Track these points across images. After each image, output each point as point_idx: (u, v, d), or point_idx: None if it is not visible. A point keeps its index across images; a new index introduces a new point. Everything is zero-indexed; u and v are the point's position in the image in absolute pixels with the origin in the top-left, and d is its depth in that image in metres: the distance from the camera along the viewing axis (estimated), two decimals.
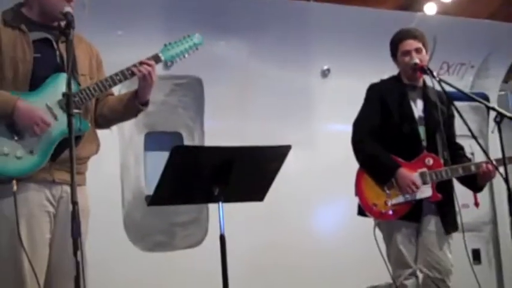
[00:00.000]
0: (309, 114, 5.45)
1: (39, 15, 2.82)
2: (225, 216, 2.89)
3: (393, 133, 3.65)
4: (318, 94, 5.51)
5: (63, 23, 2.74)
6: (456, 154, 3.78)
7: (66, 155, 2.63)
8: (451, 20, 5.84)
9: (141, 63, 2.85)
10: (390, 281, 3.73)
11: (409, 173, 3.56)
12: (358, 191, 3.70)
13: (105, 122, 3.04)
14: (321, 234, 5.24)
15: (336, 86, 5.48)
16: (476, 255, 5.87)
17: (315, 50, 5.45)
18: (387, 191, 3.61)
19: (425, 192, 3.59)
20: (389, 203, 3.60)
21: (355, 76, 5.19)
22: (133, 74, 2.86)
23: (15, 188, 2.62)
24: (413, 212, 3.59)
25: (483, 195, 5.59)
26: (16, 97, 2.65)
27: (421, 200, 3.60)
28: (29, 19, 2.81)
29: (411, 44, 3.68)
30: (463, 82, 5.91)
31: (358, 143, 3.71)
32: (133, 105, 2.94)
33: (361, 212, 3.72)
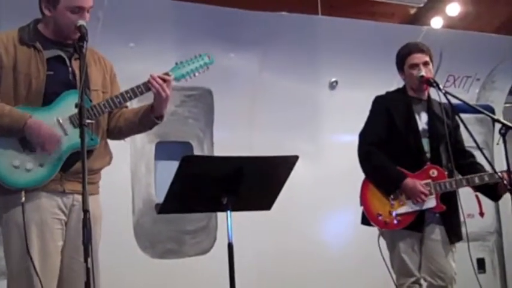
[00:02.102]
0: (316, 126, 5.51)
1: (54, 33, 2.87)
2: (233, 224, 2.93)
3: (397, 145, 3.70)
4: (325, 106, 5.56)
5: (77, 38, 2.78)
6: (468, 163, 3.83)
7: (77, 167, 2.73)
8: (457, 34, 5.87)
9: (158, 77, 2.88)
10: None
11: (417, 182, 3.61)
12: (363, 201, 3.76)
13: (120, 134, 3.08)
14: (327, 243, 5.29)
15: (343, 98, 5.53)
16: (481, 264, 5.88)
17: (323, 62, 5.49)
18: (392, 201, 3.67)
19: (430, 203, 3.64)
20: (393, 213, 3.65)
21: (362, 88, 5.21)
22: (142, 92, 2.89)
23: (23, 198, 2.68)
24: (416, 222, 3.63)
25: (488, 205, 5.60)
26: (28, 115, 2.71)
27: (423, 210, 3.64)
28: (44, 36, 2.86)
29: (419, 57, 3.73)
30: (468, 95, 5.95)
31: (364, 154, 3.76)
32: (149, 119, 2.97)
33: (365, 221, 3.77)
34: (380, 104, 3.84)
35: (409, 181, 3.62)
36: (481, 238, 5.93)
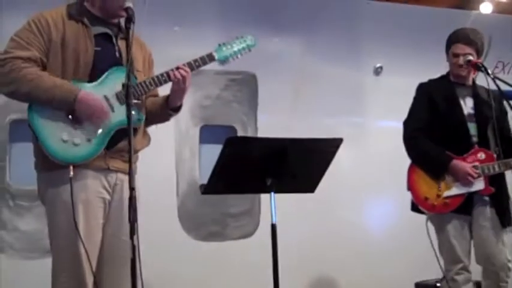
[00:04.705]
0: (361, 111, 5.47)
1: (100, 11, 2.89)
2: (277, 208, 2.93)
3: (443, 130, 3.69)
4: (370, 91, 5.50)
5: (122, 19, 2.82)
6: None
7: (120, 145, 2.78)
8: (507, 19, 5.77)
9: (177, 68, 2.89)
10: (439, 276, 3.76)
11: (464, 164, 3.61)
12: (410, 186, 3.76)
13: (147, 121, 3.06)
14: (370, 227, 5.27)
15: (388, 83, 5.47)
16: None
17: (368, 47, 5.45)
18: (439, 184, 3.65)
19: (478, 185, 3.62)
20: (441, 196, 3.64)
21: (407, 74, 5.15)
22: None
23: (71, 173, 2.70)
24: (464, 205, 3.62)
25: None
26: (78, 88, 2.73)
27: (472, 193, 3.62)
28: (92, 13, 2.89)
29: (463, 48, 3.73)
30: None
31: (410, 140, 3.77)
32: (164, 110, 3.01)
33: (415, 207, 3.77)
34: (423, 91, 3.86)
35: (456, 162, 3.62)
36: None
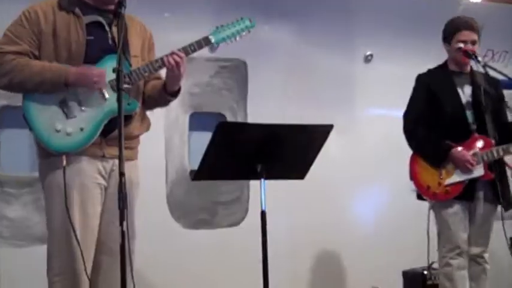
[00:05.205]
0: (351, 99, 5.45)
1: None
2: (266, 196, 2.93)
3: (442, 119, 3.74)
4: (360, 79, 5.49)
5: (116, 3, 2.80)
6: (510, 134, 3.82)
7: (116, 132, 2.69)
8: (497, 7, 5.78)
9: (171, 53, 2.86)
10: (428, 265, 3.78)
11: (463, 152, 3.66)
12: (413, 175, 3.82)
13: (148, 105, 3.08)
14: (360, 215, 5.27)
15: (378, 71, 5.46)
16: None
17: (359, 35, 5.44)
18: (440, 172, 3.69)
19: (478, 171, 3.67)
20: (442, 184, 3.69)
21: (397, 62, 5.23)
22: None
23: (64, 162, 2.72)
24: (466, 192, 3.67)
25: None
26: (68, 66, 2.74)
27: (474, 180, 3.67)
28: (84, 2, 2.88)
29: (469, 35, 3.76)
30: (507, 70, 5.74)
31: (410, 132, 3.83)
32: (163, 95, 3.00)
33: (420, 196, 3.82)
34: (421, 81, 3.89)
35: (456, 151, 3.67)
36: None
